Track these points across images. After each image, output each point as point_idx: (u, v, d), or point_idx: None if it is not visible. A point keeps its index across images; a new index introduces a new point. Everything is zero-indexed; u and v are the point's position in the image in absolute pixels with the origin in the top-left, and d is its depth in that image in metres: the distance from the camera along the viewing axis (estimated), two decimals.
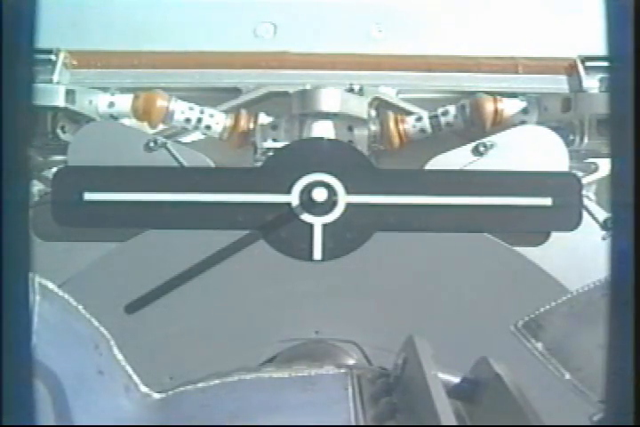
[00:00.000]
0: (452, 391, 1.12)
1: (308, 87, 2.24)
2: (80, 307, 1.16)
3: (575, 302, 1.16)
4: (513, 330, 1.20)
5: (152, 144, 2.16)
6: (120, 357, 1.18)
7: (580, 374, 1.09)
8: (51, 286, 1.12)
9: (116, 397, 1.12)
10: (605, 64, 2.18)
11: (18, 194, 0.84)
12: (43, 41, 2.08)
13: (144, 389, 1.19)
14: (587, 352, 1.07)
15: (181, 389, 1.20)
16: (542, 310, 1.18)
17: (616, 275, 0.84)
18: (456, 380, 1.16)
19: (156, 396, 1.19)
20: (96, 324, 1.17)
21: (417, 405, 1.05)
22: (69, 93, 2.20)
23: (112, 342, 1.18)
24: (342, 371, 1.25)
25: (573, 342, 1.13)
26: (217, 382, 1.21)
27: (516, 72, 2.32)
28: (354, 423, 1.10)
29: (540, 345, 1.14)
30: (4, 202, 0.82)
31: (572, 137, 2.23)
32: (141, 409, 1.12)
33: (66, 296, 1.14)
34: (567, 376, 1.10)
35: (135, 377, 1.18)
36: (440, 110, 2.26)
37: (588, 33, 2.21)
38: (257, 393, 1.17)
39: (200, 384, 1.20)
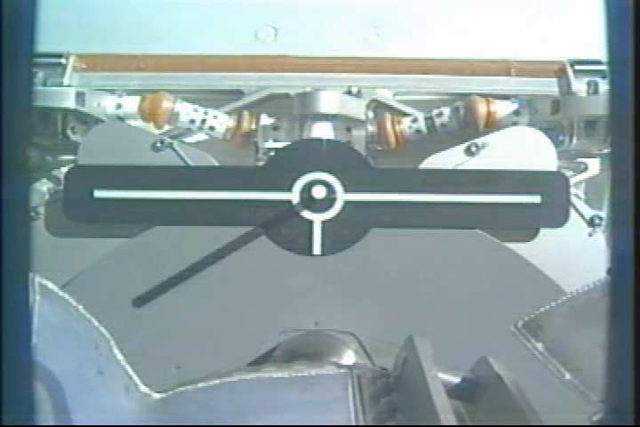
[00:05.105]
0: (452, 391, 1.07)
1: (308, 89, 2.21)
2: (80, 307, 1.10)
3: (575, 302, 1.11)
4: (513, 330, 1.14)
5: (159, 144, 2.13)
6: (120, 357, 1.12)
7: (579, 374, 1.04)
8: (51, 285, 1.07)
9: (116, 397, 1.06)
10: (594, 68, 2.16)
11: (18, 194, 0.79)
12: (52, 44, 2.03)
13: (144, 389, 1.13)
14: (587, 352, 1.02)
15: (181, 389, 1.15)
16: (542, 310, 1.13)
17: (616, 275, 0.79)
18: (456, 380, 1.11)
19: (156, 396, 1.13)
20: (96, 324, 1.11)
21: (417, 405, 0.99)
22: (79, 96, 2.17)
23: (112, 342, 1.12)
24: (342, 371, 1.20)
25: (573, 342, 1.07)
26: (217, 382, 1.15)
27: (509, 75, 2.28)
28: (354, 423, 1.05)
29: (540, 345, 1.09)
30: (4, 202, 0.78)
31: (561, 138, 2.20)
32: (141, 409, 1.07)
33: (66, 296, 1.09)
34: (567, 376, 1.05)
35: (135, 377, 1.13)
36: (435, 112, 2.23)
37: (579, 36, 2.18)
38: (257, 393, 1.11)
39: (200, 384, 1.15)
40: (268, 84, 2.29)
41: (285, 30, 2.34)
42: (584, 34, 2.09)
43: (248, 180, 2.09)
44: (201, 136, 2.33)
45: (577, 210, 2.12)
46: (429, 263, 2.07)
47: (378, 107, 2.29)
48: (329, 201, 2.06)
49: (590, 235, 2.12)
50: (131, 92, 2.26)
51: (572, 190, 2.14)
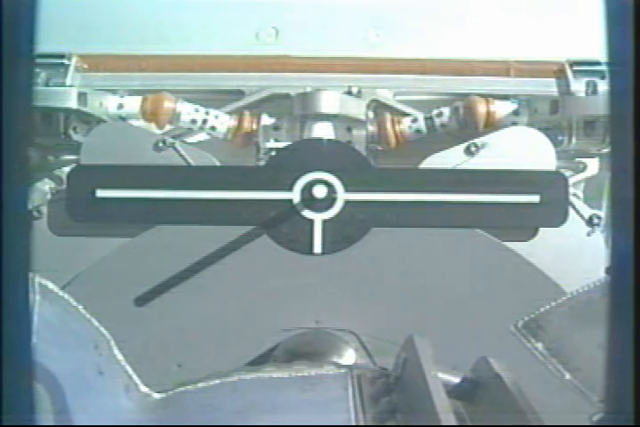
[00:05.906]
0: (452, 391, 1.06)
1: (308, 90, 2.21)
2: (80, 307, 1.09)
3: (575, 302, 1.10)
4: (513, 330, 1.13)
5: (161, 144, 2.12)
6: (120, 357, 1.11)
7: (579, 374, 1.02)
8: (51, 285, 1.06)
9: (116, 397, 1.05)
10: (592, 68, 2.15)
11: (18, 194, 0.79)
12: (54, 45, 2.03)
13: (144, 389, 1.12)
14: (587, 352, 1.01)
15: (181, 389, 1.14)
16: (542, 310, 1.12)
17: (616, 274, 0.78)
18: (456, 380, 1.10)
19: (156, 396, 1.12)
20: (96, 324, 1.10)
21: (417, 405, 0.98)
22: (81, 96, 2.16)
23: (112, 342, 1.11)
24: (342, 371, 1.19)
25: (573, 342, 1.06)
26: (217, 382, 1.14)
27: (508, 75, 2.27)
28: (354, 423, 1.04)
29: (540, 345, 1.08)
30: (4, 202, 0.77)
31: (560, 138, 2.19)
32: (141, 409, 1.06)
33: (66, 296, 1.08)
34: (567, 376, 1.03)
35: (135, 377, 1.11)
36: (435, 112, 2.22)
37: (578, 37, 2.17)
38: (257, 393, 1.10)
39: (200, 384, 1.14)
40: (268, 85, 2.28)
41: (286, 30, 2.33)
42: (584, 34, 2.08)
43: (249, 179, 2.08)
44: (202, 136, 2.32)
45: (576, 209, 2.11)
46: (429, 263, 2.06)
47: (378, 107, 2.28)
48: (329, 200, 2.05)
49: (589, 234, 2.11)
50: (132, 93, 2.26)
51: (571, 190, 2.14)
